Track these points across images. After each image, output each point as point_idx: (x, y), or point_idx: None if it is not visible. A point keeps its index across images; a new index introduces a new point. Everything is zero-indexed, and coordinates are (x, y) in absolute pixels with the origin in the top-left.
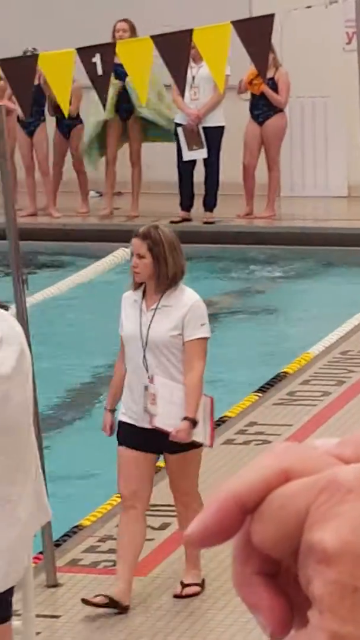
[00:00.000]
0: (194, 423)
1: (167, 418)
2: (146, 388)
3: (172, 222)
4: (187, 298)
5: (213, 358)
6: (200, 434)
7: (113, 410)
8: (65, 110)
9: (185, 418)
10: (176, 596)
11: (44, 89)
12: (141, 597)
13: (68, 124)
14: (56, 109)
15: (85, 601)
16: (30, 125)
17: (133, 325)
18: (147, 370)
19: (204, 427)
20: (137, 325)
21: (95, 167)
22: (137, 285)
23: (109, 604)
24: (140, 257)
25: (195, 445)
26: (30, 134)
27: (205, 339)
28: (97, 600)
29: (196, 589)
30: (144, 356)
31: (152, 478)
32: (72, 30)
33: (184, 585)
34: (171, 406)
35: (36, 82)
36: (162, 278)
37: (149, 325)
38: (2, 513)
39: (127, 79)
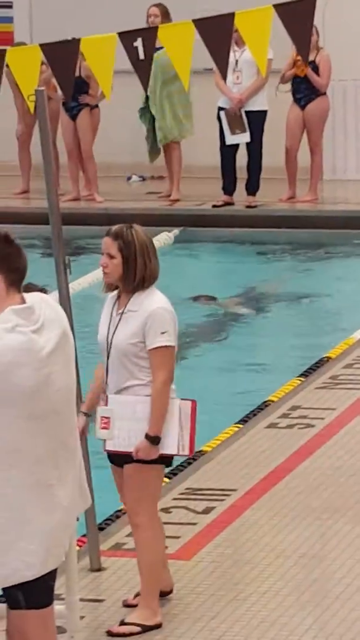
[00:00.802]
0: (153, 440)
1: (129, 437)
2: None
3: (214, 206)
4: (150, 304)
5: (256, 342)
6: (172, 446)
7: (87, 415)
8: (108, 95)
9: (146, 435)
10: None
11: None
12: (184, 581)
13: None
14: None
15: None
16: (73, 109)
17: (102, 330)
18: (106, 387)
19: (180, 435)
20: (105, 331)
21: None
22: (108, 287)
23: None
24: (111, 257)
25: (153, 460)
26: (74, 118)
27: (165, 347)
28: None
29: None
30: (107, 367)
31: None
32: (112, 15)
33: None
34: (134, 423)
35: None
36: (129, 280)
37: (114, 331)
38: (43, 497)
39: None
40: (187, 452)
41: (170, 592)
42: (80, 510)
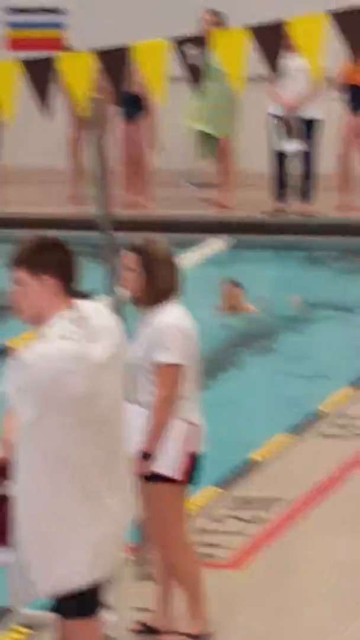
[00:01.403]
0: (144, 455)
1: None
2: None
3: (265, 213)
4: (161, 319)
5: (307, 350)
6: (166, 466)
7: None
8: (160, 100)
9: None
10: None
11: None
12: (234, 590)
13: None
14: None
15: None
16: (130, 116)
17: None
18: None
19: (172, 455)
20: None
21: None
22: (134, 300)
23: None
24: (130, 270)
25: (163, 479)
26: (130, 124)
27: (167, 364)
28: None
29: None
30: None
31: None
32: (165, 20)
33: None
34: (131, 433)
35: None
36: (148, 295)
37: (131, 344)
38: (92, 506)
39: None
40: (177, 476)
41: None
42: (128, 519)
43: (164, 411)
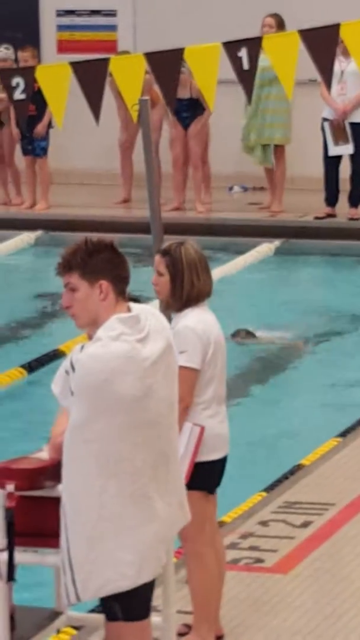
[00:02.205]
0: None
1: None
2: None
3: (316, 217)
4: (181, 323)
5: (357, 356)
6: None
7: None
8: (211, 104)
9: None
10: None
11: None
12: (281, 595)
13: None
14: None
15: None
16: (186, 119)
17: None
18: None
19: (182, 459)
20: None
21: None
22: (164, 305)
23: None
24: (160, 274)
25: (191, 486)
26: (186, 127)
27: (182, 367)
28: None
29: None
30: None
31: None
32: (220, 24)
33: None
34: None
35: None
36: (176, 298)
37: None
38: (141, 508)
39: None
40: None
41: (219, 637)
42: (180, 525)
43: (181, 414)
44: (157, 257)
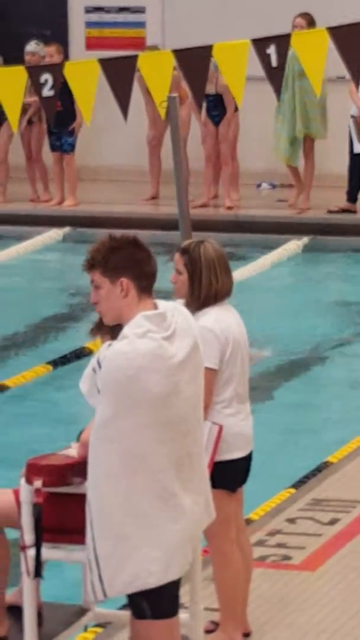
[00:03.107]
0: None
1: None
2: None
3: (329, 211)
4: (198, 322)
5: None
6: None
7: None
8: (239, 101)
9: None
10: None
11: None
12: (309, 592)
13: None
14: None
15: None
16: (216, 116)
17: None
18: None
19: None
20: None
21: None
22: (186, 305)
23: None
24: (179, 272)
25: (213, 485)
26: (217, 124)
27: (205, 368)
28: None
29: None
30: None
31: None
32: (249, 21)
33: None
34: None
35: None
36: (194, 297)
37: None
38: (167, 505)
39: None
40: None
41: (246, 634)
42: (206, 523)
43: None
44: (177, 255)
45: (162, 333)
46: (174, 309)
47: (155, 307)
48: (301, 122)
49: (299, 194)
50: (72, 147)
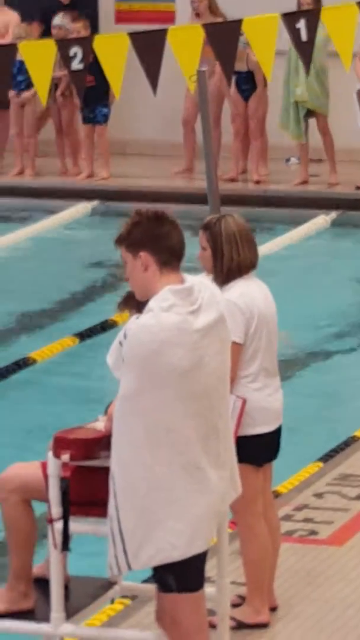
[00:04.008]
0: None
1: None
2: None
3: (357, 187)
4: (224, 296)
5: None
6: None
7: None
8: (269, 75)
9: None
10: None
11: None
12: (336, 567)
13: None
14: None
15: None
16: (245, 91)
17: None
18: None
19: None
20: None
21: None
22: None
23: None
24: (203, 248)
25: (238, 459)
26: (246, 99)
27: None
28: None
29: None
30: None
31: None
32: None
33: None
34: None
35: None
36: (217, 272)
37: None
38: (192, 479)
39: None
40: None
41: (273, 609)
42: (232, 498)
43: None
44: (200, 232)
45: (187, 307)
46: (201, 283)
47: (183, 281)
48: (305, 90)
49: (306, 168)
50: (106, 118)
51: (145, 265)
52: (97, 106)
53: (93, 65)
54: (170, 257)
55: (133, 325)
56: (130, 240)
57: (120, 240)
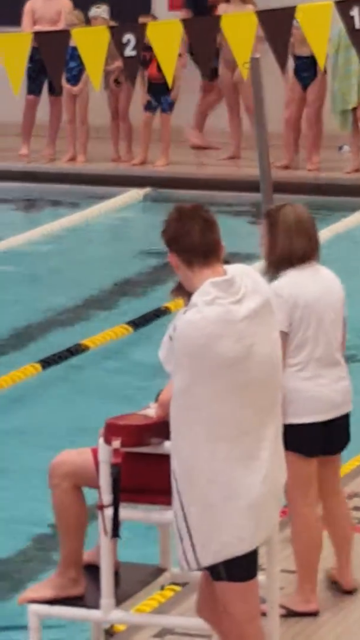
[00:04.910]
0: None
1: None
2: None
3: None
4: (272, 285)
5: None
6: None
7: None
8: (322, 63)
9: None
10: None
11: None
12: None
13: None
14: None
15: None
16: (305, 78)
17: None
18: None
19: None
20: None
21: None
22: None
23: None
24: (263, 237)
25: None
26: (305, 87)
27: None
28: None
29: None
30: None
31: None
32: None
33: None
34: None
35: None
36: (269, 261)
37: None
38: (250, 470)
39: None
40: None
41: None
42: (282, 483)
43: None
44: (262, 220)
45: (230, 298)
46: (242, 272)
47: (222, 273)
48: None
49: (358, 156)
50: (171, 106)
51: (175, 265)
52: (163, 95)
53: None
54: (195, 256)
55: (180, 322)
56: (164, 239)
57: (162, 237)
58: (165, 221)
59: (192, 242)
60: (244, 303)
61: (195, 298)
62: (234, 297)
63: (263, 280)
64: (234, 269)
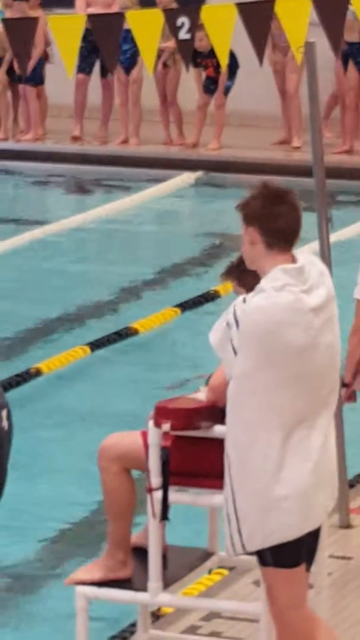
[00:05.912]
0: (343, 384)
1: None
2: None
3: None
4: None
5: None
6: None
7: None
8: None
9: None
10: None
11: None
12: None
13: None
14: None
15: None
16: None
17: None
18: None
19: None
20: None
21: None
22: None
23: None
24: None
25: None
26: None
27: (356, 299)
28: None
29: None
30: None
31: None
32: None
33: None
34: None
35: None
36: None
37: None
38: (304, 458)
39: None
40: None
41: None
42: (334, 472)
43: (350, 341)
44: None
45: (300, 287)
46: (310, 262)
47: (293, 261)
48: None
49: None
50: (228, 90)
51: (253, 241)
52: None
53: None
54: (278, 240)
55: (247, 307)
56: (245, 212)
57: (239, 208)
58: (251, 196)
59: (282, 227)
60: (312, 293)
61: (263, 283)
62: (303, 285)
63: (326, 269)
64: (303, 258)
